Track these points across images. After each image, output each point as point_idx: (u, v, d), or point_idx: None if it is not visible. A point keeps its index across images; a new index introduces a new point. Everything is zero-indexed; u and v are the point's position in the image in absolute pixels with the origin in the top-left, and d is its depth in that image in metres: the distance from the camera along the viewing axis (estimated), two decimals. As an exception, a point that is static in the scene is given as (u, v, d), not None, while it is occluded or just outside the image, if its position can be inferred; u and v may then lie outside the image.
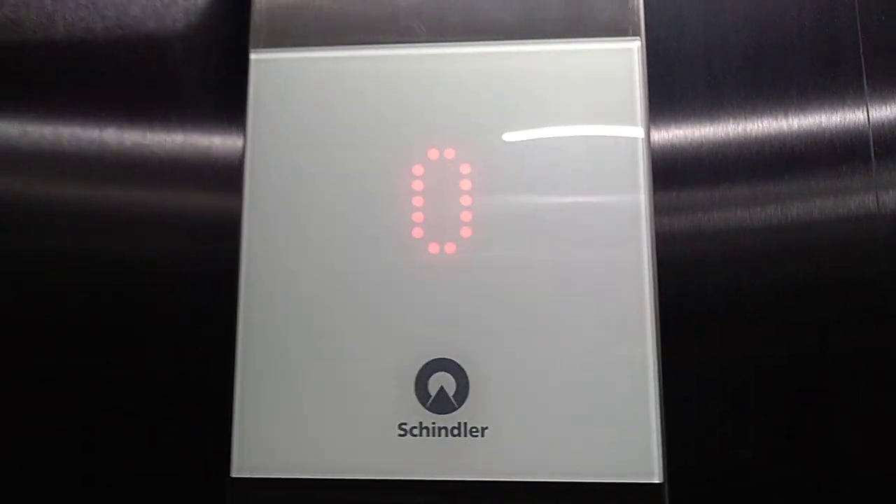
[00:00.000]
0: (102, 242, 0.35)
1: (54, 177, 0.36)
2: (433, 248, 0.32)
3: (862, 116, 0.34)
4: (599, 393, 0.30)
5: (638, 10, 0.33)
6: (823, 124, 0.34)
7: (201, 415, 0.33)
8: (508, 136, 0.32)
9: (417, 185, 0.32)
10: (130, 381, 0.34)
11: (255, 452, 0.31)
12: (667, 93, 0.35)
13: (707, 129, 0.35)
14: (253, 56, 0.34)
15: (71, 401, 0.34)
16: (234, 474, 0.30)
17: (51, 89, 0.37)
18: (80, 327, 0.35)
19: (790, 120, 0.34)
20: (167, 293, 0.35)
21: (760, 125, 0.34)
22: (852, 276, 0.33)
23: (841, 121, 0.34)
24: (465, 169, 0.32)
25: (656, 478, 0.29)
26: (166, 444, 0.33)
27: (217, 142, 0.36)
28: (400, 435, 0.30)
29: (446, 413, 0.30)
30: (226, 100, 0.36)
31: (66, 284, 0.35)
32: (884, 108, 0.34)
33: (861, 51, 0.35)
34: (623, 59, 0.33)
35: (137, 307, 0.35)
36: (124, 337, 0.34)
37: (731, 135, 0.35)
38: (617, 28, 0.33)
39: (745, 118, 0.35)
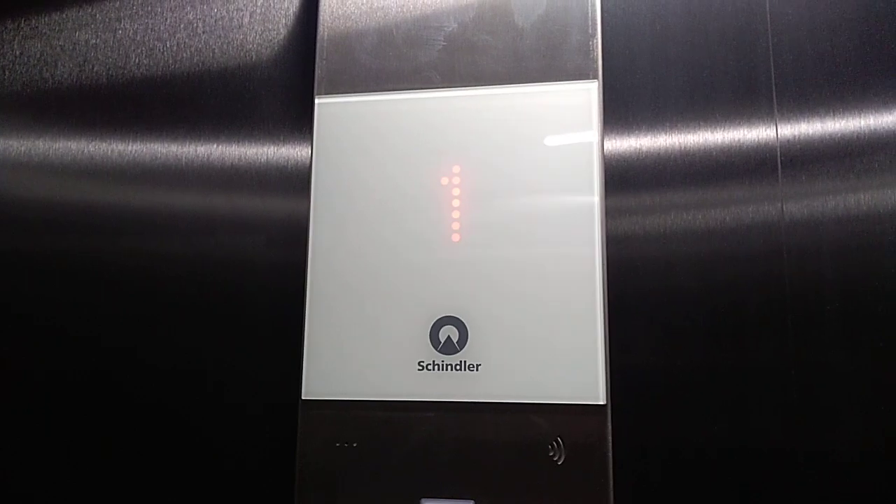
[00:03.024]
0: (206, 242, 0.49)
1: (176, 186, 0.51)
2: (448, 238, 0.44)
3: (772, 134, 0.44)
4: (559, 344, 0.41)
5: (597, 59, 0.45)
6: (741, 140, 0.44)
7: (284, 355, 0.46)
8: (502, 152, 0.44)
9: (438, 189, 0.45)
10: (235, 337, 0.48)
11: (319, 382, 0.43)
12: (619, 118, 0.46)
13: (650, 142, 0.46)
14: (317, 100, 0.47)
15: (186, 355, 0.48)
16: (304, 397, 0.43)
17: (197, 121, 0.51)
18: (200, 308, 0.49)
19: (716, 135, 0.45)
20: (260, 268, 0.48)
21: (694, 139, 0.45)
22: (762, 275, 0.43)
23: (755, 137, 0.44)
24: (464, 179, 0.44)
25: (601, 400, 0.41)
26: (260, 382, 0.47)
27: (292, 160, 0.50)
28: (419, 369, 0.42)
29: (451, 354, 0.42)
30: (299, 132, 0.49)
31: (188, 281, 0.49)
32: (789, 127, 0.44)
33: (773, 82, 0.45)
34: (585, 96, 0.44)
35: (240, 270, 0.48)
36: (240, 311, 0.48)
37: (670, 147, 0.45)
38: (580, 73, 0.44)
39: (681, 133, 0.45)
